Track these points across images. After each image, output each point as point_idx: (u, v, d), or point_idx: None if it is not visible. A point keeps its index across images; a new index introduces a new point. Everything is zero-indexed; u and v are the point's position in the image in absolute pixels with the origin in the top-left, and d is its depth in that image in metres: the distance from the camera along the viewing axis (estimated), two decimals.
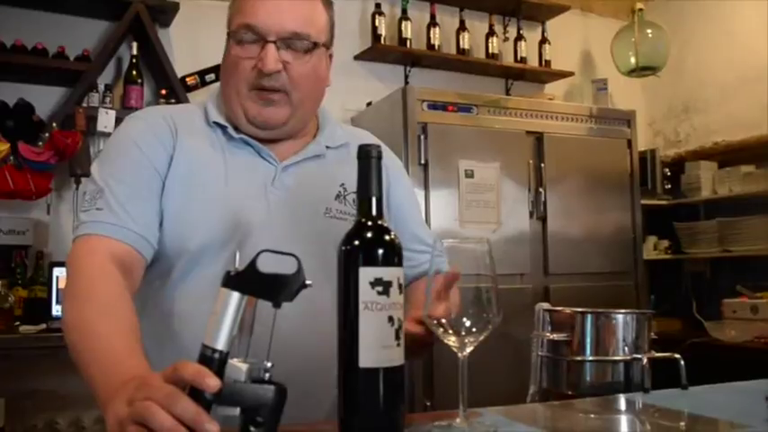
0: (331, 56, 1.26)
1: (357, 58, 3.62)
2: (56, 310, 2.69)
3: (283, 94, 1.17)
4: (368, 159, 0.87)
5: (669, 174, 4.05)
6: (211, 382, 0.72)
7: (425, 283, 0.92)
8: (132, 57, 3.14)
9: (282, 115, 1.19)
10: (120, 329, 0.97)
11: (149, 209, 1.12)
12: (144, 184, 1.13)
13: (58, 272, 2.76)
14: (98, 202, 1.09)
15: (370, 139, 1.29)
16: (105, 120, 2.95)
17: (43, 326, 2.60)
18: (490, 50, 3.91)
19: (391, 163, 1.34)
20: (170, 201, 1.14)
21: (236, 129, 1.22)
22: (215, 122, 1.22)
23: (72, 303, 1.02)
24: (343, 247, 0.84)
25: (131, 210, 1.09)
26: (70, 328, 1.00)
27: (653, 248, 3.97)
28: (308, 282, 0.81)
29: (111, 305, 1.00)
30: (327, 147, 1.27)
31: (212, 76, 3.21)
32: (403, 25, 3.69)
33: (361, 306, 0.81)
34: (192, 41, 3.31)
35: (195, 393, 0.77)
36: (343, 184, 1.23)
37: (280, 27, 1.14)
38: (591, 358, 1.16)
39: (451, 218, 2.92)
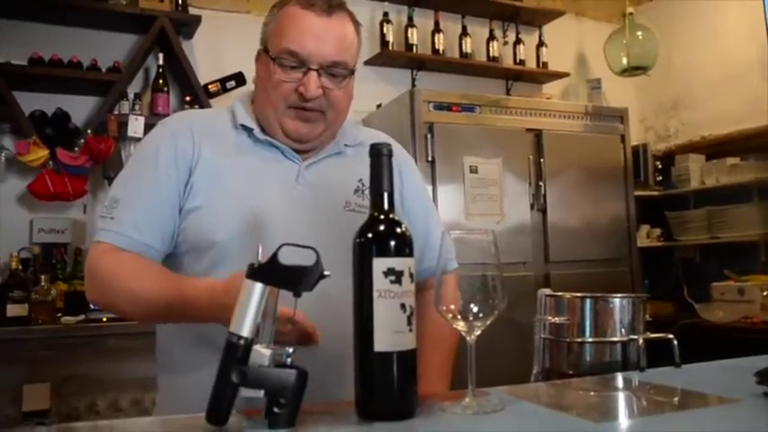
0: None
1: (367, 63, 3.60)
2: None
3: (320, 113, 1.19)
4: (379, 157, 0.86)
5: (660, 166, 4.03)
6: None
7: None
8: (159, 67, 3.15)
9: (318, 131, 1.21)
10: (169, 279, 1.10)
11: (158, 218, 1.14)
12: (158, 194, 1.15)
13: None
14: (113, 212, 1.14)
15: (384, 138, 1.28)
16: (135, 126, 2.96)
17: (82, 317, 2.62)
18: (491, 54, 3.89)
19: (404, 161, 1.34)
20: (198, 198, 1.15)
21: (263, 132, 1.22)
22: (242, 125, 1.22)
23: (107, 280, 1.11)
24: (358, 240, 0.84)
25: (140, 221, 1.13)
26: (129, 300, 1.11)
27: (646, 236, 3.95)
28: (326, 272, 0.81)
29: (144, 266, 1.12)
30: (346, 145, 1.28)
31: (233, 83, 3.23)
32: (409, 32, 3.68)
33: (375, 294, 0.81)
34: (214, 51, 3.32)
35: (223, 376, 0.78)
36: (361, 180, 1.23)
37: (322, 57, 1.15)
38: (590, 340, 1.16)
39: (458, 211, 2.91)
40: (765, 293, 3.21)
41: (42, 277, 2.66)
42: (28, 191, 2.85)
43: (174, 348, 1.20)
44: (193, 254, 1.16)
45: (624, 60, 3.92)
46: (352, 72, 1.20)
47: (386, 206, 0.85)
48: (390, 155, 0.87)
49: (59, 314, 2.65)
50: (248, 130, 1.22)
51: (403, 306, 0.81)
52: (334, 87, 1.18)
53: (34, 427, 0.77)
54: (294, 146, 1.22)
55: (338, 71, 1.18)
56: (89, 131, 2.90)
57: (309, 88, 1.15)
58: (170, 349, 1.21)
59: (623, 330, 1.15)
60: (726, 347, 1.46)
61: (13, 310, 2.54)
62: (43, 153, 2.81)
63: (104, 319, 2.56)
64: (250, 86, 1.31)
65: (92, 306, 2.65)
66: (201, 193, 1.15)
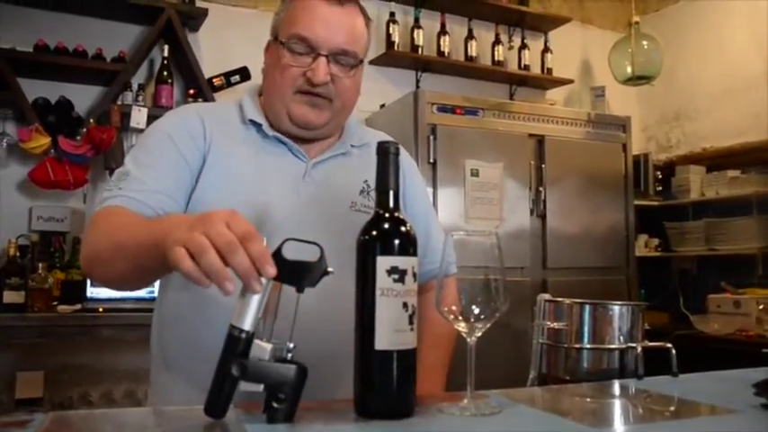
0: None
1: (372, 62, 3.60)
2: (90, 291, 2.70)
3: (327, 100, 1.18)
4: (386, 155, 0.87)
5: (660, 176, 4.04)
6: (270, 271, 0.75)
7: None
8: (164, 59, 3.15)
9: (324, 118, 1.20)
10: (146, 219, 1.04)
11: (169, 192, 1.11)
12: (169, 171, 1.12)
13: None
14: (121, 183, 1.10)
15: (388, 139, 1.28)
16: (138, 117, 2.96)
17: (78, 306, 2.62)
18: (496, 58, 3.90)
19: (407, 164, 1.34)
20: (205, 193, 1.14)
21: (271, 126, 1.21)
22: (251, 120, 1.22)
23: (97, 229, 1.05)
24: (362, 237, 0.84)
25: (151, 191, 1.09)
26: (101, 237, 1.03)
27: (644, 246, 3.95)
28: (329, 269, 0.80)
29: (132, 216, 1.05)
30: (352, 146, 1.28)
31: (237, 77, 3.22)
32: (415, 33, 3.68)
33: (377, 292, 0.80)
34: (219, 45, 3.31)
35: (223, 368, 0.77)
36: (366, 181, 1.23)
37: (332, 43, 1.16)
38: (588, 346, 1.16)
39: (457, 214, 2.91)
40: (761, 307, 3.22)
41: (40, 265, 2.66)
42: (28, 178, 2.85)
43: (169, 348, 1.18)
44: None
45: (628, 69, 3.93)
46: (360, 62, 1.21)
47: (391, 204, 0.85)
48: (397, 153, 0.87)
49: (56, 303, 2.65)
50: (257, 125, 1.22)
51: (405, 305, 0.81)
52: (342, 75, 1.18)
53: (31, 413, 0.77)
54: (300, 134, 1.21)
55: (347, 60, 1.18)
56: (92, 121, 2.89)
57: (318, 73, 1.14)
58: (164, 349, 1.19)
59: (622, 338, 1.16)
60: (720, 359, 1.47)
61: (9, 296, 2.54)
62: (45, 140, 2.80)
63: (100, 309, 2.56)
64: (255, 81, 1.30)
65: (88, 295, 2.65)
66: (209, 186, 1.14)
